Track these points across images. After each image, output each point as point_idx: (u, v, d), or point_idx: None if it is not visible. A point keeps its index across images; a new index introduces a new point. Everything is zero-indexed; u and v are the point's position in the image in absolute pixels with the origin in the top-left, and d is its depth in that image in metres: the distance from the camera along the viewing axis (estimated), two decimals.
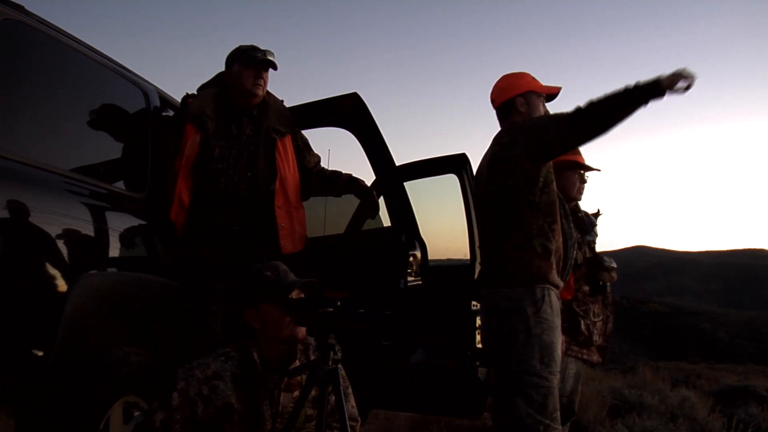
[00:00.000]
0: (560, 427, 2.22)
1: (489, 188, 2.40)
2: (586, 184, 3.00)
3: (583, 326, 2.68)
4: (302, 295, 1.92)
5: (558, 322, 2.27)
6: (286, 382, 1.88)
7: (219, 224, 2.53)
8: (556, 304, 2.28)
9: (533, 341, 2.19)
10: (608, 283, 2.87)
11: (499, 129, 2.54)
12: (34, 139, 1.92)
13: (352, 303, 1.70)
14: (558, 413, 2.22)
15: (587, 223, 2.97)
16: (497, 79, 2.56)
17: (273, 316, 1.85)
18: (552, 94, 2.51)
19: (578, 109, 2.12)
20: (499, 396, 2.26)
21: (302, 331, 1.89)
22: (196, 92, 2.73)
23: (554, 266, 2.31)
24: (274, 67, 2.67)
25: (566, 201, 2.82)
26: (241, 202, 2.55)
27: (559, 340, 2.27)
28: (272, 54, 2.63)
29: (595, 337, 2.73)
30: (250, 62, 2.60)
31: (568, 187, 2.92)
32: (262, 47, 2.64)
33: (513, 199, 2.31)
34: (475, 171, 2.69)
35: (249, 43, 2.67)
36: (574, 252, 2.69)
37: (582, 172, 2.96)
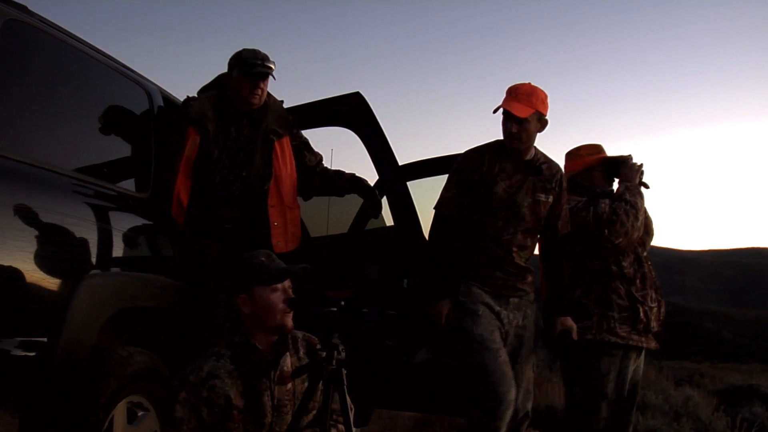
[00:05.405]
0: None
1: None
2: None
3: (642, 313, 2.71)
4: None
5: None
6: (278, 375, 1.88)
7: (213, 222, 2.57)
8: None
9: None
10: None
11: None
12: (38, 139, 1.92)
13: (355, 302, 1.70)
14: None
15: None
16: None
17: (265, 300, 1.85)
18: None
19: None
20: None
21: (290, 320, 1.89)
22: (196, 95, 2.74)
23: None
24: (272, 77, 2.66)
25: None
26: (233, 200, 2.59)
27: None
28: (271, 62, 2.61)
29: (653, 323, 2.75)
30: (248, 72, 2.58)
31: (600, 186, 2.95)
32: (263, 50, 2.62)
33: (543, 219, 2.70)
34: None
35: (251, 47, 2.63)
36: None
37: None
